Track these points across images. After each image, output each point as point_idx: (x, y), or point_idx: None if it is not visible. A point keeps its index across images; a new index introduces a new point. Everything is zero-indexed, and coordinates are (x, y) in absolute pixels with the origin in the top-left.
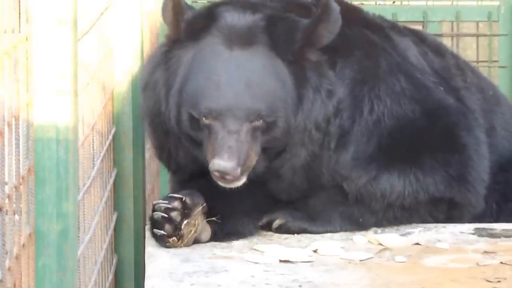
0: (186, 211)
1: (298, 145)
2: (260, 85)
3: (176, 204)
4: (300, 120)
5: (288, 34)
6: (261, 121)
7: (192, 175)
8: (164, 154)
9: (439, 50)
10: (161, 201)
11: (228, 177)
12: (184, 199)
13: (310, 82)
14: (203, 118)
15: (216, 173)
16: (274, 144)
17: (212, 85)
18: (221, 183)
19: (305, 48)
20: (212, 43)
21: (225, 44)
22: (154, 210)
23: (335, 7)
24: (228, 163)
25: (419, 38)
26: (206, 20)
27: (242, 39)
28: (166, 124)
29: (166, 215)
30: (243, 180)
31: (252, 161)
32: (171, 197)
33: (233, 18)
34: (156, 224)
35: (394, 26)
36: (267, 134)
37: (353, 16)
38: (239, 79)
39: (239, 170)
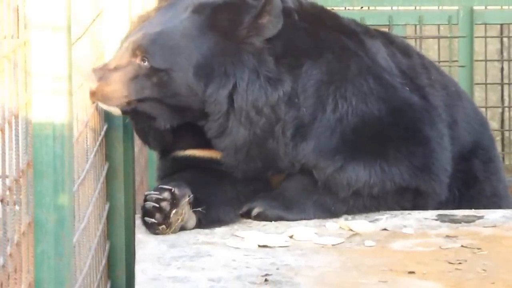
0: (174, 201)
1: (233, 121)
2: (167, 37)
3: (166, 195)
4: (222, 94)
5: (236, 15)
6: (146, 62)
7: (173, 150)
8: (141, 130)
9: (406, 51)
10: (152, 192)
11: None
12: (173, 190)
13: (246, 63)
14: None
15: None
16: (178, 102)
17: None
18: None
19: (250, 35)
20: (168, 9)
21: (176, 12)
22: (145, 200)
23: (278, 4)
24: (90, 72)
25: (388, 40)
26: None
27: (192, 9)
28: None
29: (157, 205)
30: (111, 105)
31: (118, 91)
32: (161, 188)
33: None
34: (147, 213)
35: (367, 30)
36: (164, 87)
37: (331, 22)
38: (155, 29)
39: (95, 84)
